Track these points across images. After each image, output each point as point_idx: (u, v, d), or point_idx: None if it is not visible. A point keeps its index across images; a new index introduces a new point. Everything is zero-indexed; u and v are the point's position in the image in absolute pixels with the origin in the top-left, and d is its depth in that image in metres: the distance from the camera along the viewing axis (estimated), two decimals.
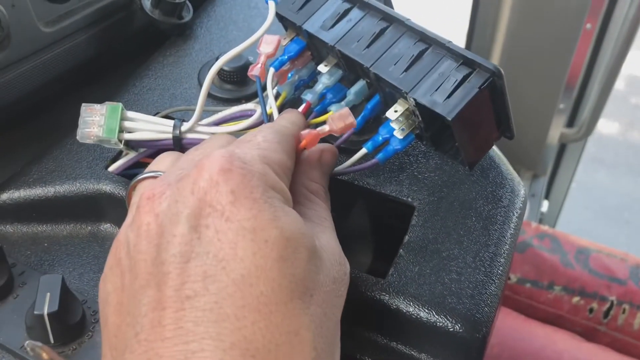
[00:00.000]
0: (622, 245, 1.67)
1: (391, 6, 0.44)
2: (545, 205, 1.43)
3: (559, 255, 0.85)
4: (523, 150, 1.31)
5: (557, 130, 1.27)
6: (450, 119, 0.30)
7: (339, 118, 0.33)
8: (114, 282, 0.26)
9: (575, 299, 0.82)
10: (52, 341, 0.32)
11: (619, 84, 2.10)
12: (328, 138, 0.40)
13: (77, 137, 0.36)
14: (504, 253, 0.36)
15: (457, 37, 1.36)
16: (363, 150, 0.36)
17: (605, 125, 2.10)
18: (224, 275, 0.23)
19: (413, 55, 0.34)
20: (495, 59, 1.27)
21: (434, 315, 0.33)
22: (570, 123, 1.32)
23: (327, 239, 0.28)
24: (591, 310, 0.81)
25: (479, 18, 1.26)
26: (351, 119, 0.33)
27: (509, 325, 0.78)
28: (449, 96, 0.31)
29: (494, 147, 0.41)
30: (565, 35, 1.16)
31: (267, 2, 0.40)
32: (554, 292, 0.82)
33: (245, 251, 0.24)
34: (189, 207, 0.25)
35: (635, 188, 1.90)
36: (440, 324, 0.33)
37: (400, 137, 0.35)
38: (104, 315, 0.26)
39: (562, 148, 1.39)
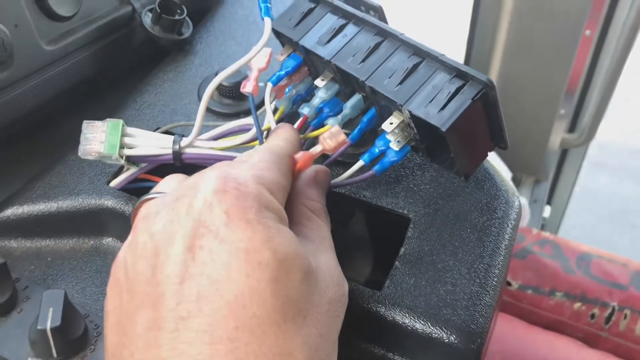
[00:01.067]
0: (626, 249, 1.67)
1: (385, 21, 0.44)
2: (547, 211, 1.43)
3: (560, 261, 0.85)
4: (525, 156, 1.32)
5: (558, 135, 1.28)
6: (444, 129, 0.31)
7: (330, 137, 0.34)
8: (114, 301, 0.27)
9: (577, 305, 0.82)
10: (55, 355, 0.33)
11: (622, 89, 2.11)
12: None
13: (79, 154, 0.36)
14: (498, 264, 0.37)
15: (458, 44, 1.37)
16: (360, 163, 0.36)
17: (608, 130, 2.09)
18: (218, 297, 0.23)
19: (407, 68, 0.34)
20: (495, 66, 1.28)
21: (429, 327, 0.34)
22: (572, 128, 1.33)
23: (326, 260, 0.28)
24: (593, 316, 0.81)
25: (479, 25, 1.26)
26: (342, 137, 0.34)
27: (511, 332, 0.78)
28: (442, 107, 0.32)
29: (490, 157, 0.41)
30: (564, 41, 1.16)
31: (262, 19, 0.41)
32: (556, 298, 0.83)
33: (239, 273, 0.24)
34: (184, 228, 0.25)
35: (638, 192, 1.89)
36: (436, 335, 0.34)
37: (397, 149, 0.35)
38: (105, 334, 0.27)
39: (563, 153, 1.39)
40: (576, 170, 1.41)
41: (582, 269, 0.84)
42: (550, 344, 0.77)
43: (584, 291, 0.82)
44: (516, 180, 1.35)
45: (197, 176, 0.29)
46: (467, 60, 1.34)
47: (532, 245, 0.87)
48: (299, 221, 0.30)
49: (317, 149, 0.34)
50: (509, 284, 0.84)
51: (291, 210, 0.31)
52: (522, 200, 1.16)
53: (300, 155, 0.33)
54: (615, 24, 1.17)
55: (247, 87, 0.38)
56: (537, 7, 1.14)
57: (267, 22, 0.40)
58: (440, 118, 0.31)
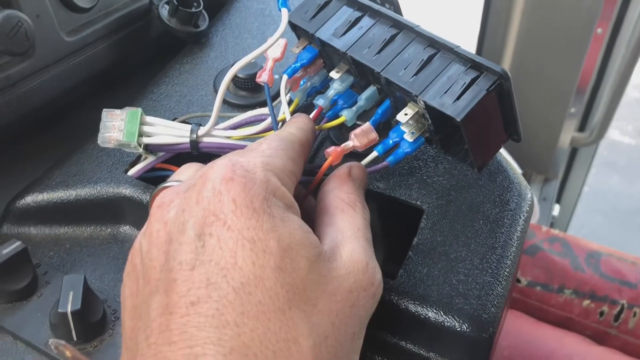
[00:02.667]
0: (635, 248, 1.66)
1: (401, 14, 0.45)
2: (556, 209, 1.43)
3: (569, 258, 0.85)
4: (534, 154, 1.32)
5: (568, 134, 1.28)
6: (459, 119, 0.31)
7: (362, 134, 0.34)
8: (131, 287, 0.27)
9: (586, 303, 0.82)
10: (75, 338, 0.34)
11: (633, 88, 2.10)
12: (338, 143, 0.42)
13: (98, 141, 0.37)
14: (510, 255, 0.37)
15: (469, 42, 1.37)
16: (374, 154, 0.37)
17: (619, 130, 2.09)
18: (225, 283, 0.24)
19: (422, 59, 0.35)
20: (506, 64, 1.28)
21: (441, 316, 0.34)
22: (582, 127, 1.33)
23: (352, 248, 0.28)
24: (602, 314, 0.81)
25: (490, 23, 1.26)
26: (374, 135, 0.35)
27: (520, 329, 0.78)
28: (457, 98, 0.32)
29: (501, 151, 0.42)
30: (576, 39, 1.16)
31: (280, 10, 0.41)
32: (565, 295, 0.83)
33: (245, 260, 0.24)
34: (194, 216, 0.26)
35: None
36: (448, 323, 0.34)
37: (410, 140, 0.36)
38: (122, 318, 0.28)
39: (573, 152, 1.39)
40: (586, 169, 1.41)
41: (591, 266, 0.84)
42: (558, 340, 0.77)
43: (593, 289, 0.82)
44: (525, 178, 1.35)
45: (209, 165, 0.30)
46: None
47: (541, 242, 0.87)
48: (333, 212, 0.31)
49: (348, 145, 0.34)
50: (518, 280, 0.84)
51: (326, 202, 0.31)
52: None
53: (331, 150, 0.33)
54: (627, 23, 1.16)
55: (263, 77, 0.39)
56: (549, 5, 1.14)
57: (284, 13, 0.40)
58: (455, 108, 0.32)
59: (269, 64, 0.39)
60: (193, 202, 0.26)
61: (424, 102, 0.33)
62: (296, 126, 0.34)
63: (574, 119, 1.27)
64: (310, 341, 0.25)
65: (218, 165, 0.27)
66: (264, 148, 0.30)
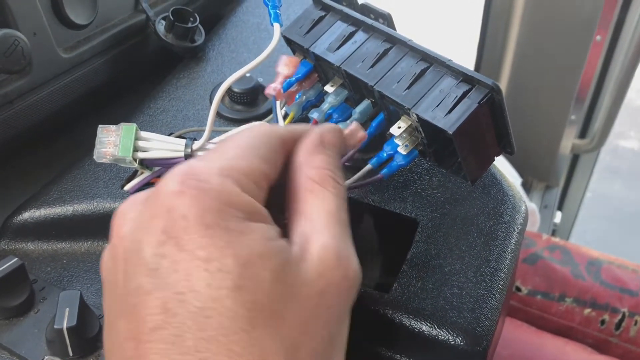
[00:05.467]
0: (639, 255, 1.66)
1: (394, 29, 0.45)
2: (558, 217, 1.43)
3: (570, 266, 0.85)
4: (535, 162, 1.32)
5: (569, 141, 1.28)
6: (451, 132, 0.32)
7: (350, 135, 0.35)
8: (106, 302, 0.27)
9: (587, 311, 0.82)
10: (70, 354, 0.34)
11: (636, 94, 2.09)
12: None
13: (94, 157, 0.37)
14: (504, 268, 0.37)
15: (468, 50, 1.37)
16: (368, 166, 0.37)
17: (621, 135, 2.09)
18: (181, 309, 0.23)
19: (415, 73, 0.35)
20: (506, 71, 1.28)
21: (435, 329, 0.34)
22: (583, 134, 1.33)
23: (323, 243, 0.26)
24: (603, 322, 0.81)
25: (489, 31, 1.27)
26: (362, 133, 0.35)
27: (520, 338, 0.78)
28: (449, 111, 0.33)
29: (501, 160, 0.42)
30: (575, 47, 1.17)
31: (272, 25, 0.42)
32: (565, 303, 0.83)
33: (199, 282, 0.23)
34: (148, 234, 0.24)
35: None
36: (442, 337, 0.34)
37: (404, 153, 0.36)
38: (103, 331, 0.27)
39: (575, 159, 1.39)
40: (587, 176, 1.40)
41: (592, 274, 0.84)
42: (559, 349, 0.77)
43: (594, 297, 0.82)
44: (527, 186, 1.35)
45: (164, 175, 0.27)
46: (478, 66, 1.35)
47: (542, 250, 0.87)
48: (300, 197, 0.28)
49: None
50: (518, 289, 0.84)
51: (294, 182, 0.28)
52: (532, 206, 1.16)
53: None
54: (627, 29, 1.17)
55: (270, 90, 0.39)
56: (548, 13, 1.14)
57: (277, 27, 0.41)
58: (447, 121, 0.32)
59: (280, 79, 0.40)
60: (147, 218, 0.25)
61: (417, 115, 0.33)
62: (287, 126, 0.32)
63: (574, 126, 1.27)
64: (280, 357, 0.23)
65: (170, 176, 0.25)
66: (226, 149, 0.27)
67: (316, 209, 0.27)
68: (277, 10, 0.41)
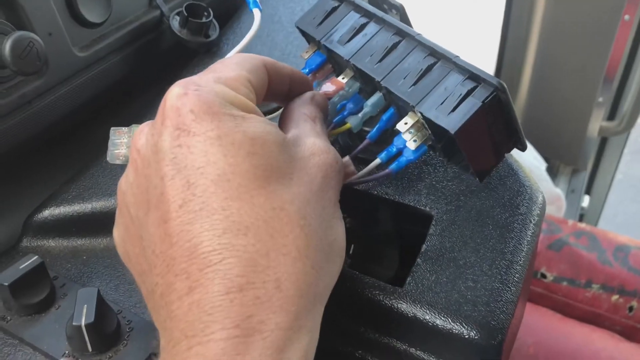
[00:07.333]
0: None
1: (407, 20, 0.45)
2: (586, 200, 1.40)
3: (596, 252, 0.84)
4: (562, 145, 1.29)
5: (596, 123, 1.25)
6: (453, 132, 0.31)
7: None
8: (124, 222, 0.30)
9: (614, 298, 0.81)
10: (90, 350, 0.35)
11: None
12: (346, 147, 0.42)
13: (108, 159, 0.38)
14: (520, 260, 0.37)
15: (493, 29, 1.35)
16: (377, 161, 0.37)
17: None
18: (204, 179, 0.26)
19: (422, 69, 0.35)
20: (531, 52, 1.26)
21: (450, 323, 0.34)
22: (611, 116, 1.29)
23: (313, 140, 0.31)
24: (631, 309, 0.79)
25: (514, 11, 1.24)
26: (351, 168, 0.37)
27: (545, 325, 0.77)
28: (453, 110, 0.32)
29: (512, 155, 0.41)
30: (603, 27, 1.14)
31: (251, 11, 0.42)
32: (592, 290, 0.81)
33: (216, 155, 0.26)
34: (162, 135, 0.27)
35: None
36: (456, 331, 0.34)
37: (413, 148, 0.35)
38: (125, 257, 0.30)
39: (603, 142, 1.36)
40: (617, 159, 1.37)
41: (619, 260, 0.83)
42: (586, 336, 0.76)
43: (622, 283, 0.80)
44: (553, 170, 1.33)
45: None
46: (503, 47, 1.32)
47: (567, 236, 0.85)
48: (296, 120, 0.33)
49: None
50: (543, 275, 0.83)
51: (289, 114, 0.34)
52: (557, 191, 1.14)
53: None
54: None
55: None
56: None
57: (256, 13, 0.41)
58: (450, 121, 0.32)
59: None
60: (158, 125, 0.28)
61: (421, 113, 0.33)
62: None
63: (602, 108, 1.24)
64: (294, 206, 0.27)
65: (172, 87, 0.29)
66: (217, 66, 0.31)
67: (308, 127, 0.32)
68: None
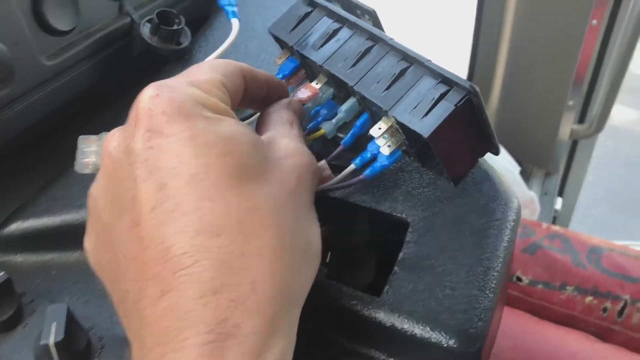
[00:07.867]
0: None
1: (380, 25, 0.44)
2: (559, 203, 1.42)
3: (570, 255, 0.85)
4: (534, 149, 1.31)
5: (567, 127, 1.27)
6: (426, 136, 0.31)
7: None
8: (96, 230, 0.29)
9: (589, 299, 0.81)
10: None
11: (633, 77, 2.08)
12: (321, 153, 0.41)
13: (75, 168, 0.37)
14: (497, 266, 0.36)
15: (464, 35, 1.36)
16: (351, 167, 0.36)
17: (623, 119, 2.07)
18: (177, 180, 0.26)
19: (395, 73, 0.35)
20: (502, 57, 1.27)
21: (428, 332, 0.34)
22: (581, 119, 1.32)
23: (287, 141, 0.31)
24: (605, 310, 0.80)
25: (485, 16, 1.26)
26: (327, 172, 0.37)
27: (522, 328, 0.78)
28: (426, 114, 0.32)
29: (485, 159, 0.41)
30: (571, 31, 1.15)
31: (229, 20, 0.42)
32: (567, 292, 0.82)
33: (189, 156, 0.26)
34: (134, 137, 0.27)
35: None
36: (435, 339, 0.34)
37: (387, 153, 0.35)
38: (97, 266, 0.30)
39: (574, 145, 1.38)
40: (587, 161, 1.40)
41: (592, 262, 0.84)
42: (562, 338, 0.76)
43: (595, 285, 0.81)
44: (526, 173, 1.34)
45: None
46: (474, 53, 1.34)
47: (541, 239, 0.86)
48: (273, 124, 0.33)
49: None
50: (519, 279, 0.84)
51: (266, 118, 0.34)
52: (531, 194, 1.15)
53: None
54: (622, 12, 1.15)
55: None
56: None
57: (235, 23, 0.41)
58: (424, 125, 0.32)
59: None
60: (131, 127, 0.28)
61: (394, 117, 0.33)
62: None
63: (572, 112, 1.26)
64: (269, 206, 0.27)
65: (145, 90, 0.28)
66: (192, 70, 0.31)
67: (285, 130, 0.33)
68: (234, 8, 0.41)
